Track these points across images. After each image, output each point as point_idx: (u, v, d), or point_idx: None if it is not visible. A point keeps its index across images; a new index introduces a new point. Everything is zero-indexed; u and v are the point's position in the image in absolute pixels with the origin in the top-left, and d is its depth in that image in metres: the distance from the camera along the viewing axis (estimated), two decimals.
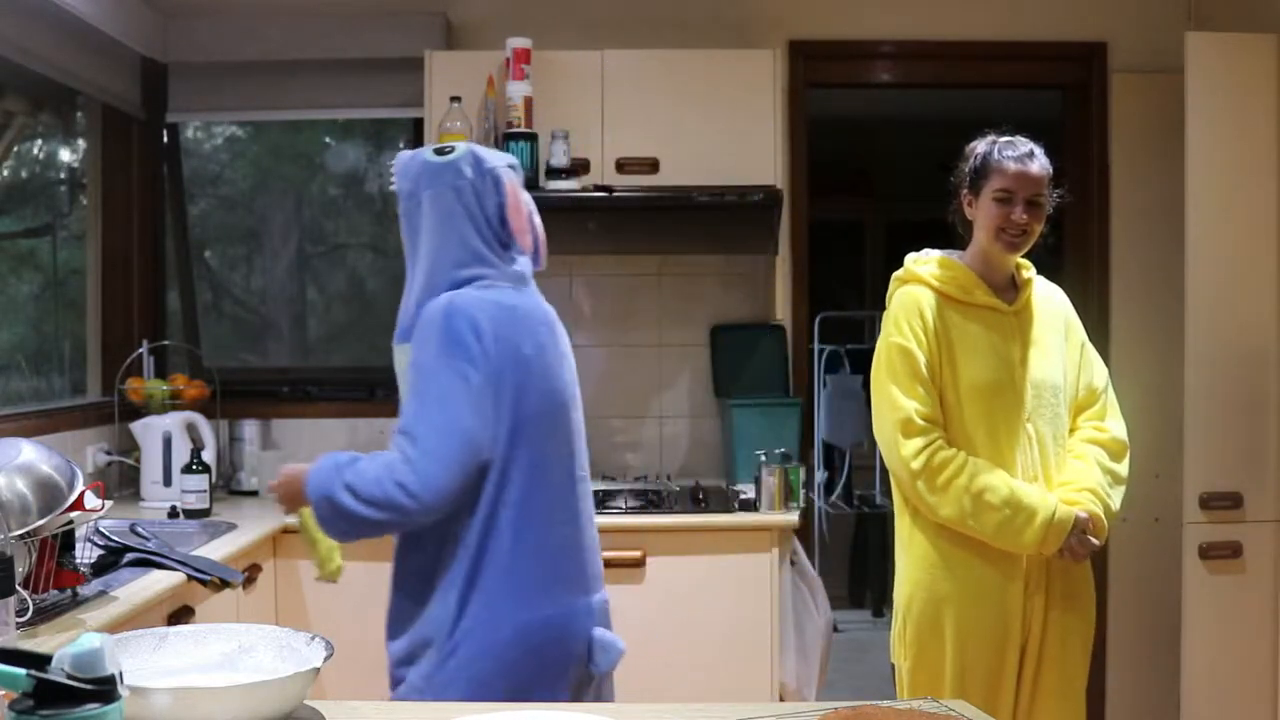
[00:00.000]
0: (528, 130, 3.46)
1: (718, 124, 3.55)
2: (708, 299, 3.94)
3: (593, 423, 3.80)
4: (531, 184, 3.45)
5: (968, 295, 2.44)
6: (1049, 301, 2.54)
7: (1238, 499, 3.25)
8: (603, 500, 3.41)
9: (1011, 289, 2.50)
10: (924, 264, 2.50)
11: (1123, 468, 2.48)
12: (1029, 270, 2.56)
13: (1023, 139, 2.47)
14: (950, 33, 3.93)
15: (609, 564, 3.16)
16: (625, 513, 3.28)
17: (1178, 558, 3.27)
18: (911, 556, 2.45)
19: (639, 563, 3.19)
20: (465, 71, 3.56)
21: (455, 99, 3.49)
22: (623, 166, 3.55)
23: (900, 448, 2.38)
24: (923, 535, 2.43)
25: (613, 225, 3.55)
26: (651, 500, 3.41)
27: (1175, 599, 3.29)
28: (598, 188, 3.47)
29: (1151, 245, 3.81)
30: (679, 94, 3.57)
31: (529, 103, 3.47)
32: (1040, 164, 2.43)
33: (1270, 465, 3.27)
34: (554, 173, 3.45)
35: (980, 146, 2.48)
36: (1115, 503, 2.44)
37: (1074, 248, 3.96)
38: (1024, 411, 2.41)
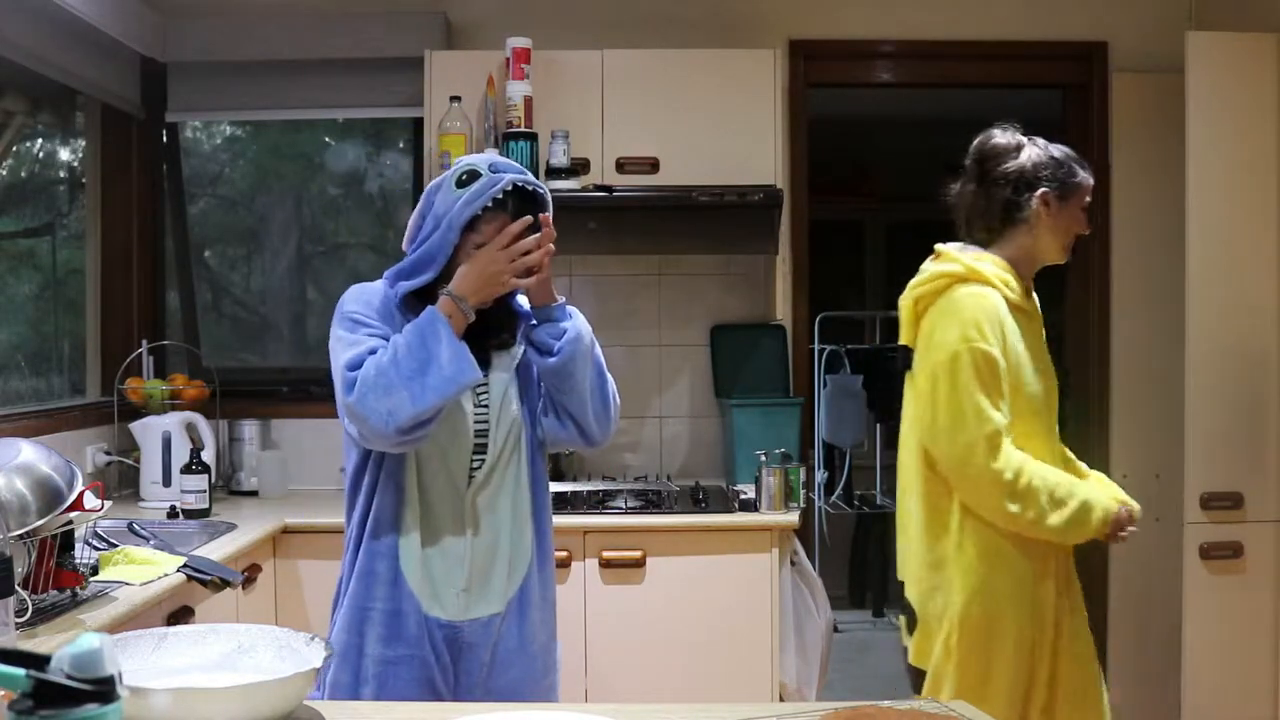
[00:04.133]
0: (528, 130, 3.46)
1: (718, 124, 3.55)
2: (708, 299, 3.94)
3: None
4: None
5: (1024, 301, 2.40)
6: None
7: (1238, 499, 3.25)
8: (603, 500, 3.42)
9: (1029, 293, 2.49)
10: (983, 262, 2.38)
11: None
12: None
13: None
14: (950, 33, 3.93)
15: (610, 564, 3.18)
16: (625, 513, 3.28)
17: (1178, 558, 3.27)
18: (961, 565, 2.33)
19: (639, 563, 3.19)
20: (465, 71, 3.56)
21: (455, 99, 3.50)
22: (623, 166, 3.55)
23: (990, 461, 2.26)
24: (975, 542, 2.32)
25: (613, 225, 3.55)
26: (651, 500, 3.41)
27: (1175, 599, 3.29)
28: (598, 187, 3.47)
29: (1152, 245, 3.81)
30: (679, 94, 3.57)
31: (529, 102, 3.47)
32: None
33: (1270, 465, 3.27)
34: (554, 172, 3.45)
35: (1054, 151, 2.44)
36: None
37: (1074, 248, 3.95)
38: (1054, 418, 2.42)
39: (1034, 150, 2.42)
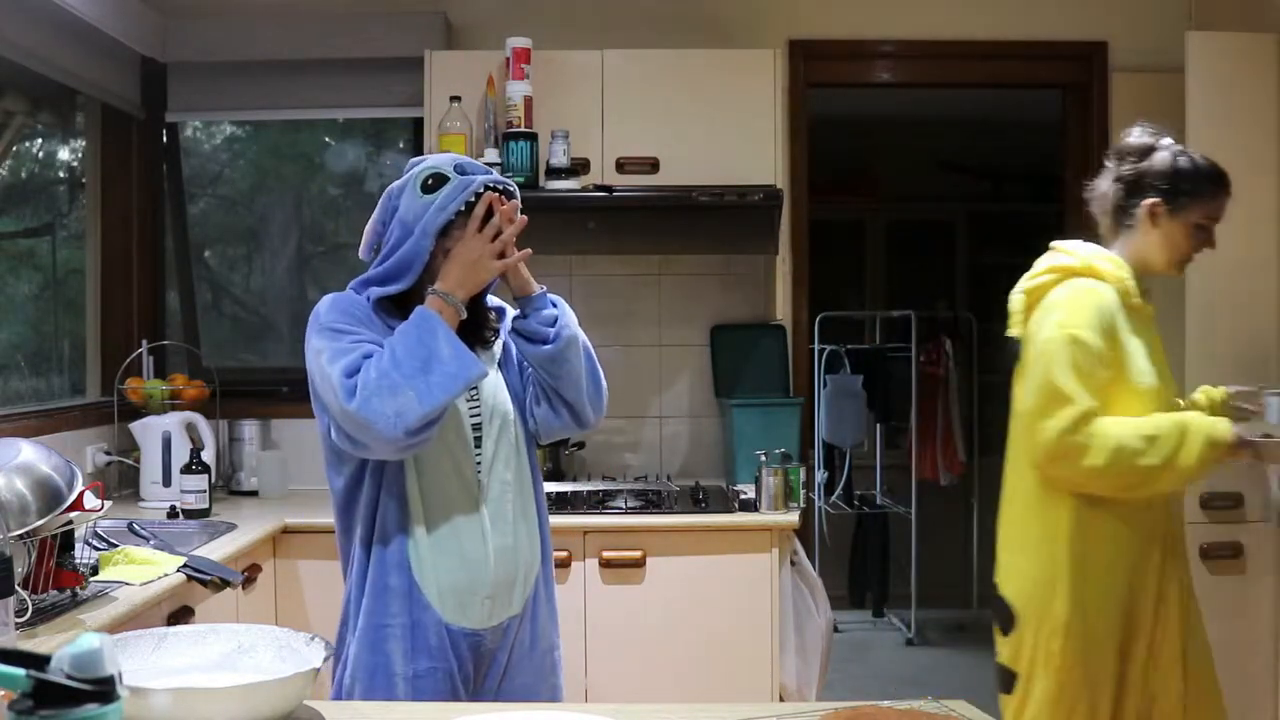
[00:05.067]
0: (528, 130, 3.46)
1: (718, 124, 3.55)
2: (708, 299, 3.94)
3: None
4: (531, 184, 3.45)
5: (1131, 299, 2.34)
6: None
7: (1238, 499, 3.24)
8: (603, 500, 3.42)
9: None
10: (1102, 259, 2.35)
11: None
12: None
13: (1204, 157, 2.38)
14: (950, 33, 3.93)
15: (610, 564, 3.18)
16: (625, 513, 3.28)
17: None
18: (1067, 566, 2.29)
19: (639, 563, 3.19)
20: (465, 71, 3.56)
21: (455, 99, 3.50)
22: (623, 166, 3.55)
23: (1074, 435, 2.22)
24: (1082, 541, 2.29)
25: (613, 225, 3.55)
26: (651, 500, 3.41)
27: None
28: (598, 188, 3.47)
29: None
30: (679, 94, 3.57)
31: (529, 102, 3.47)
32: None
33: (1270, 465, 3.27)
34: (554, 173, 3.45)
35: (1183, 160, 2.35)
36: None
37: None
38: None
39: (1161, 156, 2.36)
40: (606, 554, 3.19)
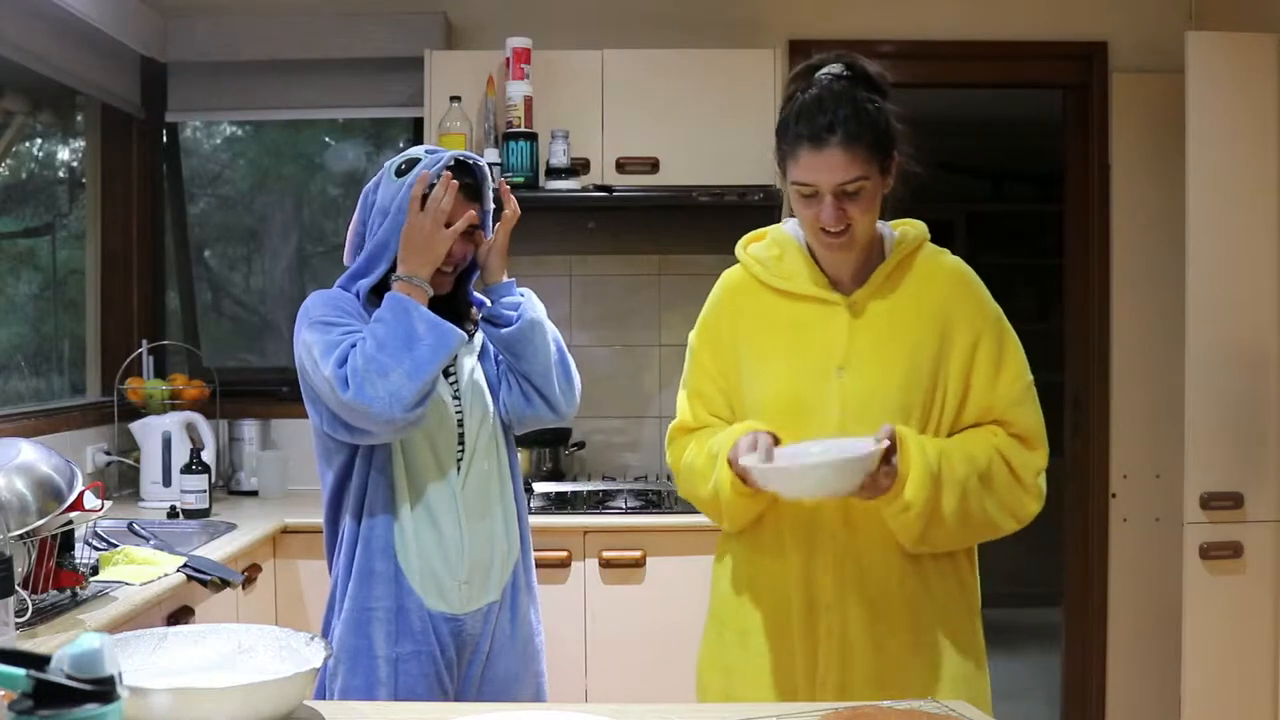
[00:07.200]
0: (528, 130, 3.45)
1: (718, 124, 3.55)
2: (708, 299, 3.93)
3: (593, 423, 3.84)
4: (531, 184, 3.45)
5: (786, 282, 1.91)
6: (927, 290, 1.90)
7: (1238, 499, 3.24)
8: (603, 500, 3.42)
9: (867, 273, 1.91)
10: (756, 240, 1.99)
11: (1024, 460, 1.85)
12: (906, 244, 1.94)
13: (834, 90, 1.79)
14: (950, 33, 3.93)
15: (610, 564, 3.18)
16: (625, 513, 3.28)
17: (1178, 558, 3.27)
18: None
19: (639, 563, 3.19)
20: (465, 71, 3.56)
21: (455, 99, 3.49)
22: (623, 166, 3.55)
23: (669, 458, 2.02)
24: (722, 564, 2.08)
25: (613, 225, 3.54)
26: (651, 500, 3.41)
27: (1175, 599, 3.29)
28: (598, 188, 3.47)
29: (1152, 245, 3.81)
30: (679, 94, 3.56)
31: (529, 102, 3.47)
32: (846, 150, 1.76)
33: (1270, 465, 3.27)
34: (554, 172, 3.44)
35: (790, 110, 1.82)
36: (957, 467, 1.78)
37: (1074, 248, 3.96)
38: (833, 435, 1.79)
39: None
40: (606, 554, 3.19)
